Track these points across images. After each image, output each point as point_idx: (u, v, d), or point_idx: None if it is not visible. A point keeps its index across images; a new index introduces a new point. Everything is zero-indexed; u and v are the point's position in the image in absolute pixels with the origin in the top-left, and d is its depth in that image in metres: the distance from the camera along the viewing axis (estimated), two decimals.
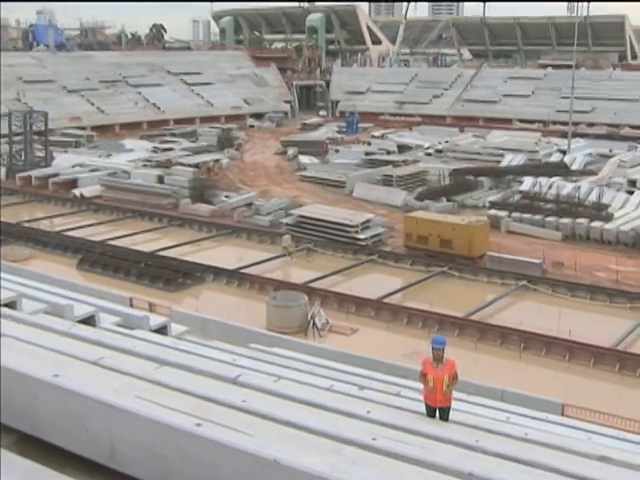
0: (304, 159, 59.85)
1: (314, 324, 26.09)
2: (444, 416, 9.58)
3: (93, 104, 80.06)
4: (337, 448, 5.58)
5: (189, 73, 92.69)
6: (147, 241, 37.81)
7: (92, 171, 51.15)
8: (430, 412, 9.64)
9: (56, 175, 50.38)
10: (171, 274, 31.66)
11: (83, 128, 72.29)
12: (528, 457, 7.22)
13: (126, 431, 5.68)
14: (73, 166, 53.22)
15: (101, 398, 5.83)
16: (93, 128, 73.39)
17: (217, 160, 57.06)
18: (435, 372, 9.53)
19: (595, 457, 8.17)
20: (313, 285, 30.62)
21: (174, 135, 72.23)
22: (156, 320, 15.67)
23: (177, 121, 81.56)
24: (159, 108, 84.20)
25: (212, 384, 7.92)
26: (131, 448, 5.62)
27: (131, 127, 76.98)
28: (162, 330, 15.01)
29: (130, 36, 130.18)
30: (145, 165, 54.48)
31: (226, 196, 46.06)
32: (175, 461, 5.49)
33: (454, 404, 10.01)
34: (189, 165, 52.42)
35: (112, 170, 51.21)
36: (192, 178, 47.51)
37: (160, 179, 48.31)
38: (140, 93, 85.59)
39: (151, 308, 23.83)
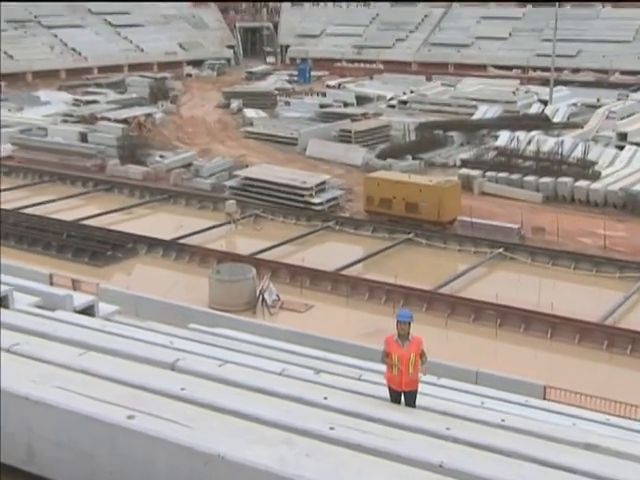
0: (250, 113, 59.41)
1: (263, 300, 26.08)
2: (411, 401, 9.66)
3: None
4: (289, 439, 5.60)
5: (115, 13, 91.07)
6: (69, 208, 37.32)
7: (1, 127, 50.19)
8: (395, 397, 9.72)
9: None
10: (98, 246, 31.33)
11: None
12: (505, 446, 7.34)
13: (46, 427, 5.64)
14: None
15: (17, 390, 5.77)
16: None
17: (149, 114, 56.34)
18: (400, 351, 9.58)
19: (581, 445, 8.33)
20: (262, 256, 30.57)
21: (98, 85, 71.08)
22: (81, 299, 15.49)
23: (102, 69, 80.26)
24: (80, 54, 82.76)
25: (146, 371, 7.89)
26: (52, 447, 5.58)
27: (46, 76, 75.48)
28: (88, 311, 14.86)
29: None
30: (65, 120, 53.63)
31: (161, 156, 45.59)
32: (104, 460, 5.47)
33: (422, 388, 10.11)
34: (117, 120, 51.63)
35: (25, 126, 50.28)
36: (121, 135, 46.84)
37: (83, 137, 47.54)
38: (57, 36, 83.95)
39: (75, 286, 23.56)
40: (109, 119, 52.07)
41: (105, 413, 5.61)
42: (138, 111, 56.96)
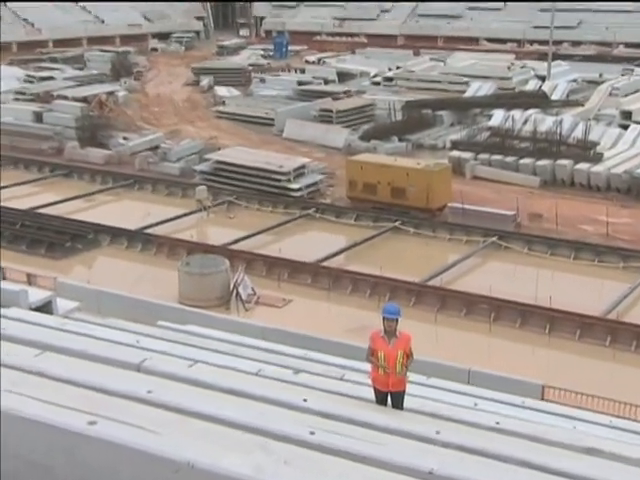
0: (222, 91, 59.24)
1: (237, 295, 26.05)
2: (398, 403, 9.69)
3: None
4: (266, 445, 5.61)
5: None
6: (23, 196, 37.11)
7: None
8: (381, 398, 9.74)
9: None
10: (55, 237, 31.18)
11: None
12: (500, 450, 7.37)
13: None
14: None
15: None
16: None
17: (111, 92, 56.02)
18: (387, 349, 9.60)
19: (582, 449, 8.38)
20: (236, 247, 30.53)
21: (54, 60, 70.63)
22: (37, 295, 15.42)
23: (57, 42, 79.76)
24: (33, 25, 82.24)
25: (110, 372, 7.87)
26: (4, 458, 5.55)
27: None
28: (45, 308, 14.80)
29: None
30: (17, 99, 53.32)
31: (124, 138, 45.37)
32: (62, 471, 5.45)
33: (410, 388, 10.13)
34: (75, 99, 51.33)
35: None
36: (80, 115, 46.64)
37: (37, 117, 47.31)
38: (6, 5, 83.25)
39: (30, 280, 23.47)
40: (66, 97, 51.72)
41: (63, 419, 5.58)
42: (99, 89, 56.56)
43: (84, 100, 51.14)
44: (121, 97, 56.38)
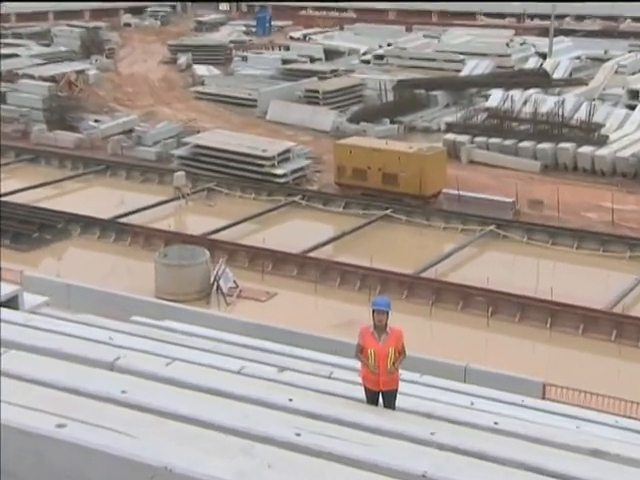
0: (200, 70, 59.09)
1: (218, 288, 26.04)
2: (389, 402, 9.69)
3: None
4: (249, 448, 5.60)
5: None
6: None
7: None
8: (371, 398, 9.74)
9: None
10: (21, 227, 31.06)
11: None
12: (498, 452, 7.39)
13: None
14: None
15: None
16: None
17: (81, 71, 55.78)
18: (377, 345, 9.59)
19: (586, 451, 8.40)
20: (216, 237, 30.52)
21: (18, 36, 70.27)
22: (2, 290, 15.36)
23: (21, 16, 79.37)
24: None
25: (81, 371, 7.85)
26: None
27: None
28: (10, 303, 14.73)
29: None
30: None
31: (96, 120, 45.24)
32: (30, 476, 5.43)
33: (403, 387, 10.14)
34: (42, 78, 51.13)
35: None
36: (47, 96, 46.46)
37: (1, 97, 47.06)
38: None
39: None
40: (32, 76, 51.52)
41: (30, 422, 5.56)
42: (67, 67, 56.27)
43: (52, 79, 50.89)
44: (92, 76, 56.13)
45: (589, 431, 11.62)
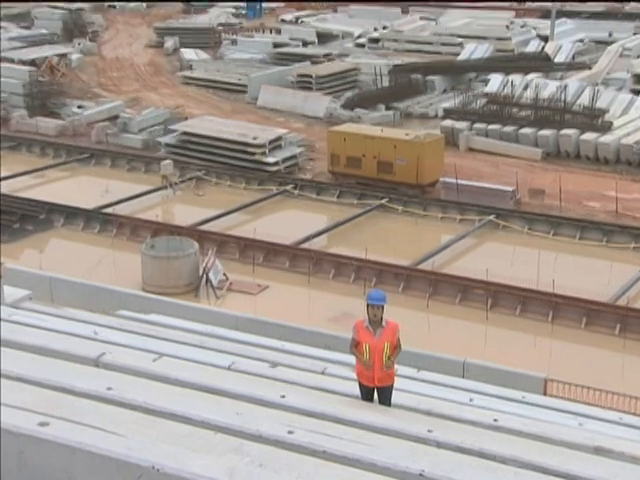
0: (188, 54, 58.95)
1: (208, 281, 26.03)
2: (385, 399, 9.71)
3: None
4: (240, 447, 5.61)
5: None
6: None
7: None
8: (366, 394, 9.76)
9: None
10: (2, 218, 30.94)
11: None
12: (498, 451, 7.41)
13: None
14: None
15: None
16: None
17: (64, 55, 55.69)
18: (372, 340, 9.61)
19: (589, 449, 8.43)
20: (205, 227, 30.50)
21: None
22: None
23: None
24: None
25: (65, 368, 7.84)
26: None
27: None
28: None
29: None
30: None
31: (79, 106, 45.12)
32: (12, 477, 5.43)
33: (399, 382, 10.16)
34: (22, 62, 51.03)
35: None
36: (28, 81, 46.28)
37: None
38: None
39: None
40: (12, 60, 51.38)
41: (12, 421, 5.56)
42: (49, 51, 56.20)
43: (32, 63, 50.83)
44: (75, 60, 56.00)
45: (592, 428, 11.66)
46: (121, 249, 29.50)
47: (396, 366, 9.92)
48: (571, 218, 31.40)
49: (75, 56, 57.03)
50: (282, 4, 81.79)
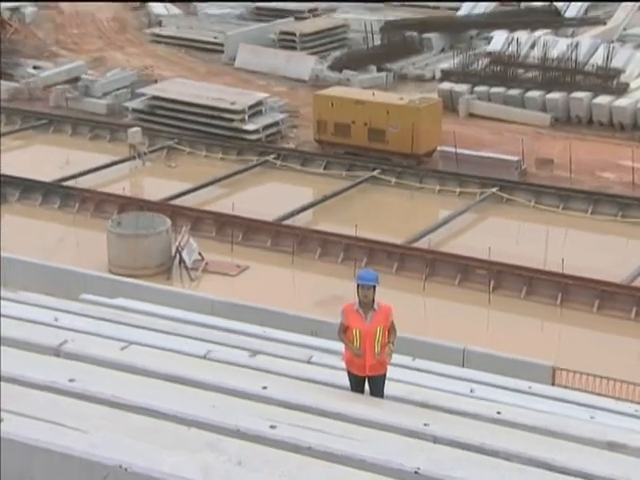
0: (158, 8, 58.61)
1: (181, 261, 26.05)
2: (377, 390, 9.74)
3: None
4: (216, 443, 5.62)
5: None
6: None
7: None
8: (356, 385, 9.79)
9: None
10: None
11: None
12: (502, 446, 7.45)
13: None
14: None
15: None
16: None
17: (16, 9, 55.35)
18: (363, 324, 9.63)
19: (602, 444, 8.48)
20: (178, 202, 30.49)
21: None
22: None
23: None
24: None
25: (21, 358, 7.85)
26: None
27: None
28: None
29: None
30: None
31: (35, 67, 44.91)
32: None
33: (392, 372, 10.19)
34: None
35: None
36: None
37: None
38: None
39: None
40: None
41: None
42: None
43: None
44: (29, 14, 55.57)
45: (605, 422, 11.73)
46: (84, 226, 29.45)
47: (390, 353, 9.92)
48: (582, 190, 31.43)
49: (29, 9, 56.46)
50: None
